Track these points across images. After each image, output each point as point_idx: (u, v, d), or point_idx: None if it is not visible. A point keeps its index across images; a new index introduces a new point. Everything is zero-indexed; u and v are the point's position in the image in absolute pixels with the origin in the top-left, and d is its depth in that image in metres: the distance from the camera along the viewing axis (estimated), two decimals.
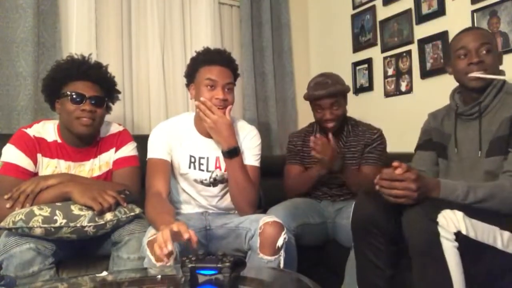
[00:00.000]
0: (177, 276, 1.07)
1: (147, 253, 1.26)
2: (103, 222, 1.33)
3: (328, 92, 1.78)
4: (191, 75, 1.60)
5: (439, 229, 1.10)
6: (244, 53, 2.58)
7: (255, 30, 2.67)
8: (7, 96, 1.91)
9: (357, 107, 2.55)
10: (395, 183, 1.18)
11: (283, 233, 1.34)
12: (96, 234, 1.35)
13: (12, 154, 1.46)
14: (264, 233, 1.33)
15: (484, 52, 1.32)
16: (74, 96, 1.47)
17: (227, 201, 1.66)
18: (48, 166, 1.51)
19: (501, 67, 1.37)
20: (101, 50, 2.18)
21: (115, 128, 1.67)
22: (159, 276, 1.12)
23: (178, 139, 1.60)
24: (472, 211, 1.15)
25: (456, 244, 1.09)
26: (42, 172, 1.49)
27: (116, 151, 1.62)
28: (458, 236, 1.09)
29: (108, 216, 1.34)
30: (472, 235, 1.11)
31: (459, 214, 1.11)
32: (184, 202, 1.67)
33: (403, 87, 2.33)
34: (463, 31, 1.40)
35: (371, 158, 1.81)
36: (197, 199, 1.64)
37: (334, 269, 1.63)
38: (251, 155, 1.62)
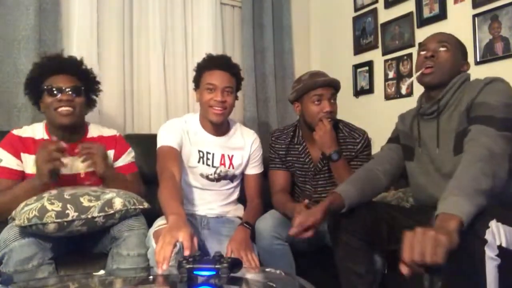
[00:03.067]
0: (175, 276, 1.07)
1: (152, 243, 1.32)
2: (112, 212, 1.35)
3: (331, 79, 1.68)
4: (197, 81, 1.71)
5: (486, 249, 0.97)
6: (245, 53, 2.59)
7: (257, 31, 2.67)
8: (7, 93, 1.92)
9: (357, 110, 2.56)
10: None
11: None
12: (105, 225, 1.37)
13: (2, 157, 1.48)
14: None
15: (441, 49, 1.33)
16: (50, 88, 1.50)
17: (229, 204, 1.75)
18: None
19: (502, 74, 1.36)
20: (102, 49, 2.18)
21: (108, 131, 1.70)
22: (157, 276, 1.12)
23: (188, 135, 1.69)
24: (507, 217, 1.02)
25: (499, 261, 0.97)
26: (30, 169, 1.50)
27: (117, 155, 1.66)
28: (500, 250, 0.97)
29: (118, 205, 1.36)
30: (510, 246, 0.99)
31: (500, 225, 0.98)
32: (186, 199, 1.71)
33: (403, 90, 2.33)
34: (433, 34, 1.42)
35: (355, 167, 1.68)
36: (199, 196, 1.71)
37: (331, 273, 1.63)
38: (260, 164, 1.83)
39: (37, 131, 1.56)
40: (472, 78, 1.38)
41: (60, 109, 1.49)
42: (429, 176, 1.37)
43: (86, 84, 1.61)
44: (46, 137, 1.55)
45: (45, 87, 1.50)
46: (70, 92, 1.51)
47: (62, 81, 1.51)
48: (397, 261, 0.99)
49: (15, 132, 1.53)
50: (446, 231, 0.93)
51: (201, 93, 1.66)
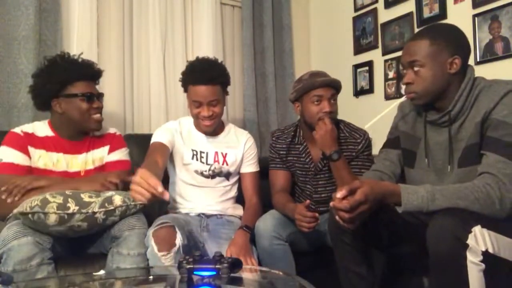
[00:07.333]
0: (175, 276, 1.08)
1: (151, 243, 1.35)
2: (112, 208, 1.37)
3: (332, 79, 1.67)
4: (184, 87, 1.74)
5: (468, 253, 0.99)
6: (245, 53, 2.59)
7: (257, 31, 2.67)
8: (7, 93, 1.91)
9: (357, 110, 2.56)
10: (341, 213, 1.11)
11: None
12: (105, 223, 1.38)
13: (5, 154, 1.49)
14: None
15: (415, 69, 1.22)
16: (88, 95, 1.58)
17: (226, 201, 1.76)
18: (40, 157, 1.54)
19: (502, 74, 1.32)
20: (102, 49, 2.18)
21: (109, 129, 1.74)
22: (157, 276, 1.11)
23: (181, 135, 1.76)
24: (495, 223, 1.04)
25: (483, 266, 0.98)
26: (35, 163, 1.52)
27: (110, 150, 1.67)
28: (485, 255, 0.99)
29: (118, 202, 1.38)
30: (498, 252, 1.01)
31: (485, 231, 1.00)
32: (183, 198, 1.75)
33: (403, 90, 2.33)
34: (408, 40, 1.29)
35: (356, 167, 1.70)
36: (196, 194, 1.74)
37: (331, 273, 1.62)
38: (256, 162, 1.86)
39: (39, 128, 1.59)
40: None
41: (95, 116, 1.60)
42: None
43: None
44: (51, 134, 1.59)
45: (81, 93, 1.56)
46: (99, 100, 1.63)
47: (94, 89, 1.62)
48: (398, 262, 1.01)
49: (16, 129, 1.56)
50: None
51: (189, 104, 1.71)
